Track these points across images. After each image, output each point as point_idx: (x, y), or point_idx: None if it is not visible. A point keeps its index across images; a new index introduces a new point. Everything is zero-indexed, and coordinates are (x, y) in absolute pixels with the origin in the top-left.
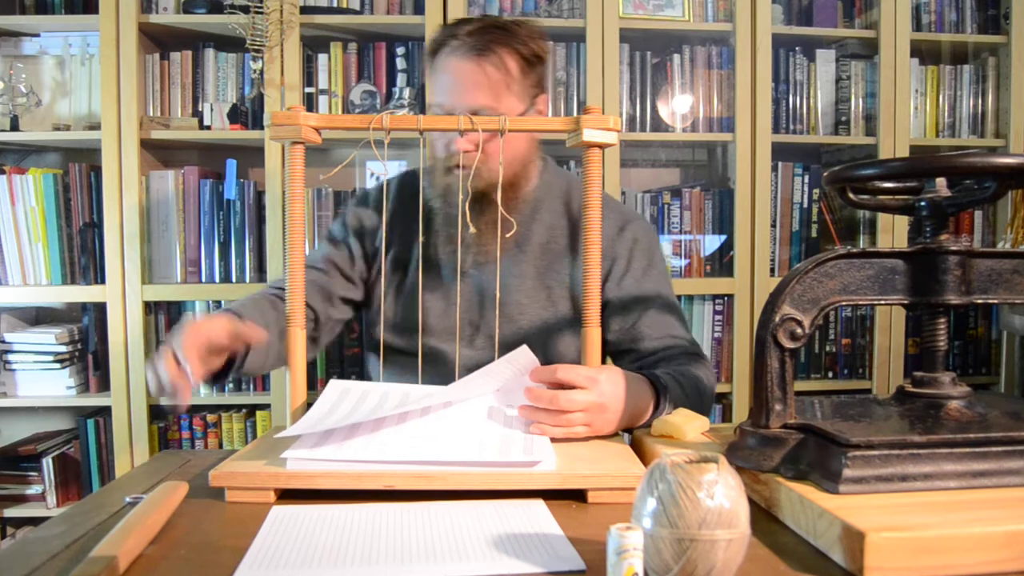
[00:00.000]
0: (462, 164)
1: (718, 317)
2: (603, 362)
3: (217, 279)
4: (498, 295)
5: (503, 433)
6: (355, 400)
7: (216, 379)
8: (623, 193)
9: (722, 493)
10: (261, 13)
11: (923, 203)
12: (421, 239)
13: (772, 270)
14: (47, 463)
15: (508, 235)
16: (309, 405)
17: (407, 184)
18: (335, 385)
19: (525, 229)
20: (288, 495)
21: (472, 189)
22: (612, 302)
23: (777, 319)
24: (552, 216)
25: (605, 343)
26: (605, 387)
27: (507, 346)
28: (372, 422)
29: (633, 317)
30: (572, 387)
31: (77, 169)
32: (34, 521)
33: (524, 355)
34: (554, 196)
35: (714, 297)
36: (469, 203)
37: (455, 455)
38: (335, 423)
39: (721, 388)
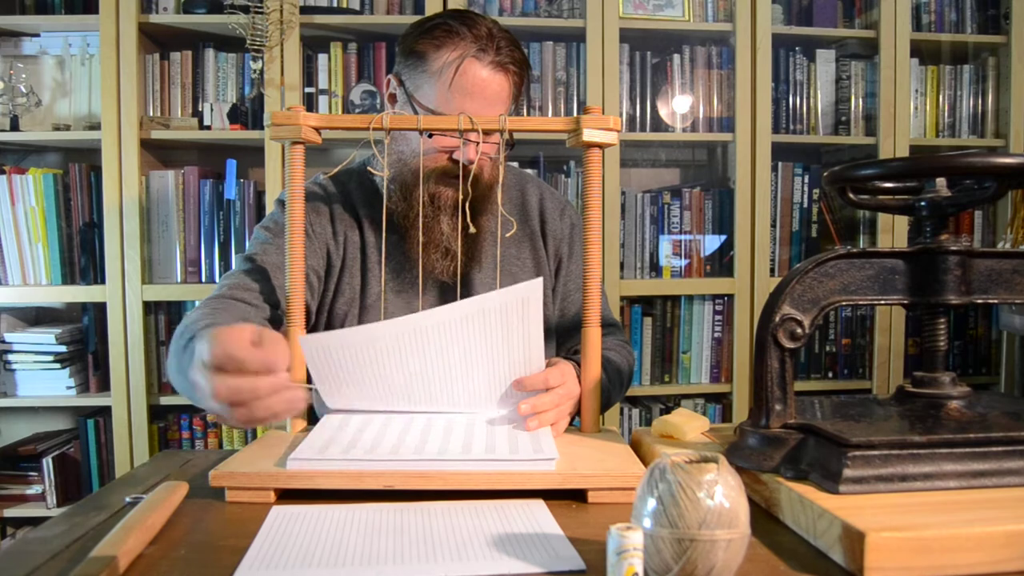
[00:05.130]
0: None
1: (718, 317)
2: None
3: (217, 279)
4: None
5: (508, 434)
6: (355, 430)
7: None
8: (623, 193)
9: (722, 493)
10: (261, 13)
11: (923, 203)
12: (383, 247)
13: (772, 270)
14: (47, 463)
15: (508, 234)
16: (310, 406)
17: (331, 190)
18: (330, 418)
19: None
20: (288, 495)
21: (462, 195)
22: (562, 291)
23: (777, 319)
24: (505, 209)
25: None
26: (572, 382)
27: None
28: (377, 428)
29: (578, 304)
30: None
31: (77, 169)
32: (34, 521)
33: (531, 288)
34: (507, 189)
35: (714, 297)
36: (458, 209)
37: (466, 456)
38: (341, 450)
39: (721, 388)
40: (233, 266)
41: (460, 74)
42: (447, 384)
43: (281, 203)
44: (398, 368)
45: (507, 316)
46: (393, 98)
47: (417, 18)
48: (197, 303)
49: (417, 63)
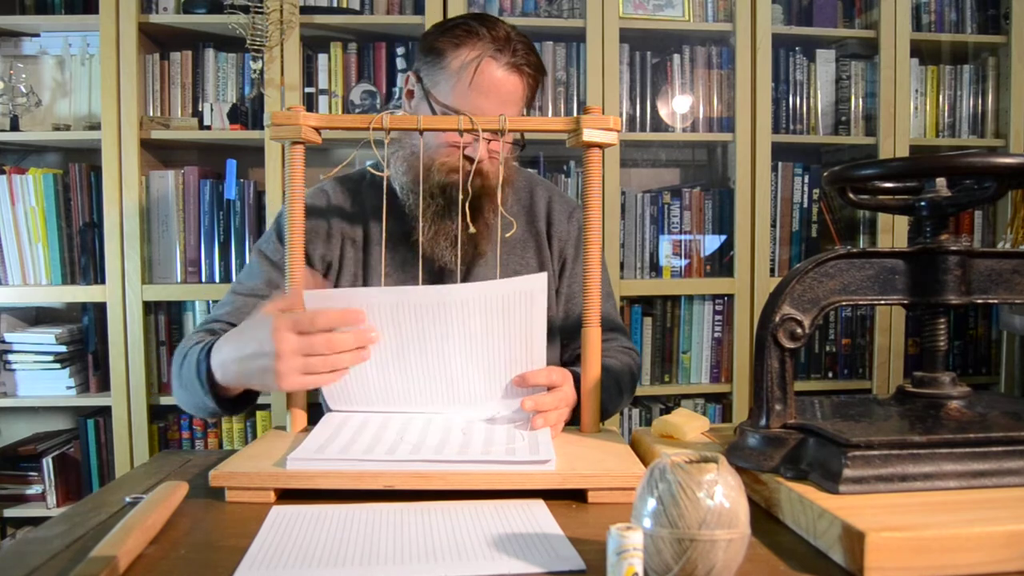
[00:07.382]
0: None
1: (718, 317)
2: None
3: (217, 279)
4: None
5: (507, 433)
6: (354, 429)
7: (238, 407)
8: (623, 193)
9: (722, 493)
10: (261, 13)
11: (923, 203)
12: (384, 244)
13: (772, 270)
14: (47, 463)
15: (508, 234)
16: (310, 405)
17: (337, 193)
18: (331, 417)
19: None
20: (288, 495)
21: (473, 192)
22: (566, 293)
23: (777, 319)
24: (512, 209)
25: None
26: (570, 388)
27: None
28: (376, 428)
29: (579, 307)
30: (553, 386)
31: (77, 169)
32: (34, 521)
33: (536, 281)
34: (517, 191)
35: (714, 297)
36: (468, 205)
37: (463, 456)
38: (340, 449)
39: (721, 388)
40: (228, 292)
41: (478, 73)
42: (444, 376)
43: (280, 224)
44: (393, 340)
45: (509, 309)
46: (411, 94)
47: (417, 19)
48: (197, 303)
49: (436, 60)
